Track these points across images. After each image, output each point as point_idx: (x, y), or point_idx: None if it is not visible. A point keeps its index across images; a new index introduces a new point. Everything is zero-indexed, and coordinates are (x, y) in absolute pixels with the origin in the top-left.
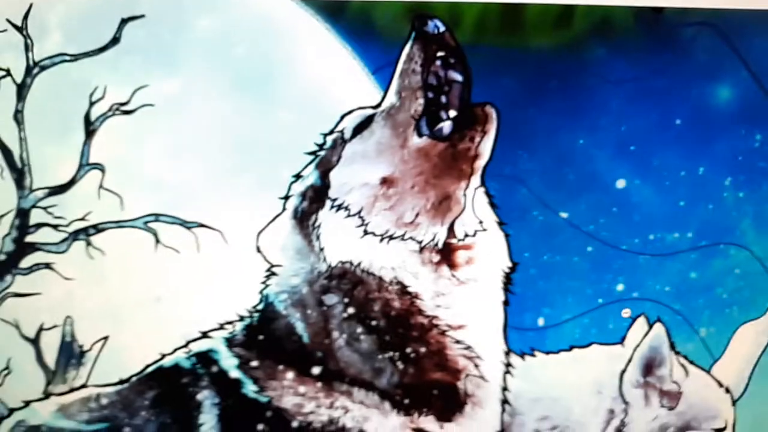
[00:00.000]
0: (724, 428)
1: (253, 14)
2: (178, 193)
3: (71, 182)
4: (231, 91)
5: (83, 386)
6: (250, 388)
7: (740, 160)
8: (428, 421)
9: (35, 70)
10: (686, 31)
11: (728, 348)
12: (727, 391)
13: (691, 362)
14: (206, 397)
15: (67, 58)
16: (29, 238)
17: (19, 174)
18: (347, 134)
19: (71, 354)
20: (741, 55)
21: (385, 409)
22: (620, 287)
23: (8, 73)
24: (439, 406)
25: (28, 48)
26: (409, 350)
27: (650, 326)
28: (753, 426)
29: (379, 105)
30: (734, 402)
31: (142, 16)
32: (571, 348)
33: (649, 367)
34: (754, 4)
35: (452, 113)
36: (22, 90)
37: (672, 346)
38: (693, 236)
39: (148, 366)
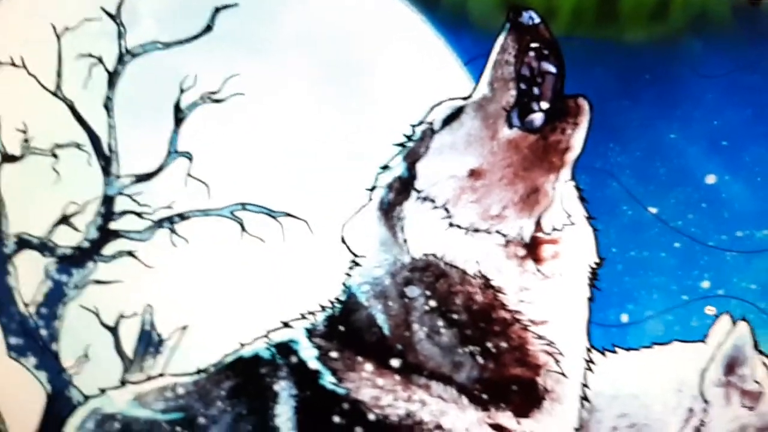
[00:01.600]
0: None
1: (345, 4)
2: (265, 183)
3: (158, 170)
4: (321, 81)
5: (160, 375)
6: (328, 380)
7: None
8: (505, 417)
9: (127, 58)
10: None
11: None
12: None
13: None
14: (284, 387)
15: (159, 46)
16: (113, 226)
17: (106, 161)
18: (436, 125)
19: (150, 342)
20: None
21: (463, 404)
22: (706, 284)
23: (100, 60)
24: (517, 401)
25: (120, 36)
26: (489, 345)
27: (734, 324)
28: None
29: (470, 96)
30: None
31: (236, 5)
32: (652, 345)
33: (731, 366)
34: None
35: (544, 105)
36: (113, 77)
37: (756, 346)
38: None
39: (227, 356)
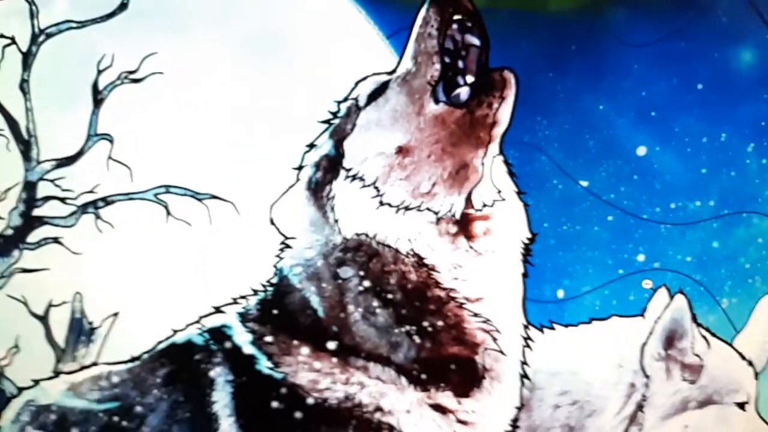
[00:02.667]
0: (747, 402)
1: None
2: (189, 164)
3: (79, 154)
4: (242, 58)
5: (93, 364)
6: (264, 364)
7: (764, 126)
8: (446, 397)
9: (41, 38)
10: None
11: (751, 319)
12: (750, 363)
13: (713, 334)
14: (219, 374)
15: (74, 25)
16: (37, 212)
17: (26, 145)
18: (362, 101)
19: (81, 331)
20: (765, 17)
21: (402, 385)
22: (641, 258)
23: (13, 41)
24: (457, 380)
25: (33, 15)
26: (426, 324)
27: (672, 297)
28: None
29: (394, 71)
30: (757, 375)
31: None
32: (590, 320)
33: (671, 340)
34: None
35: (469, 79)
36: (27, 58)
37: (694, 318)
38: (715, 204)
39: (159, 342)
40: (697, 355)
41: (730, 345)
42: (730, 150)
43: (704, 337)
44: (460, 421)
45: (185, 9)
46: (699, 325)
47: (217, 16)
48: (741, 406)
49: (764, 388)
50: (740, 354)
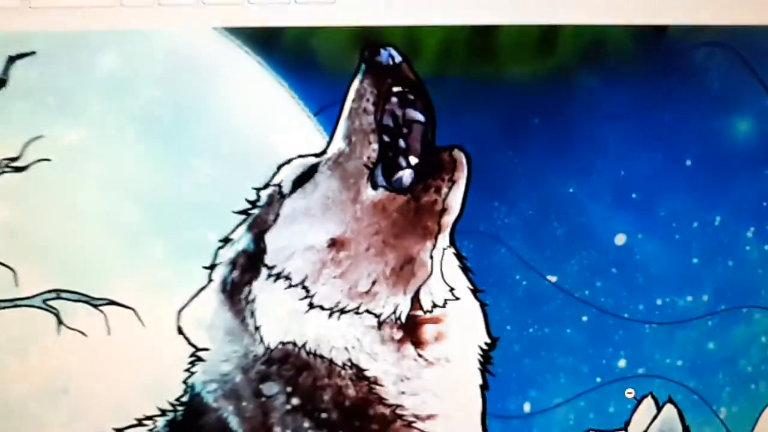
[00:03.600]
0: None
1: (166, 48)
2: (83, 265)
3: None
4: (142, 140)
5: None
6: None
7: (765, 207)
8: None
9: None
10: (696, 53)
11: (755, 430)
12: None
13: None
14: None
15: None
16: None
17: None
18: (286, 188)
19: None
20: (763, 80)
21: None
22: (622, 363)
23: None
24: None
25: None
26: None
27: (659, 408)
28: None
29: (324, 152)
30: None
31: (33, 53)
32: None
33: None
34: None
35: (413, 160)
36: None
37: (686, 431)
38: (709, 299)
39: None
40: None
41: None
42: (726, 236)
43: None
44: None
45: (75, 84)
46: None
47: (112, 93)
48: None
49: None
50: None
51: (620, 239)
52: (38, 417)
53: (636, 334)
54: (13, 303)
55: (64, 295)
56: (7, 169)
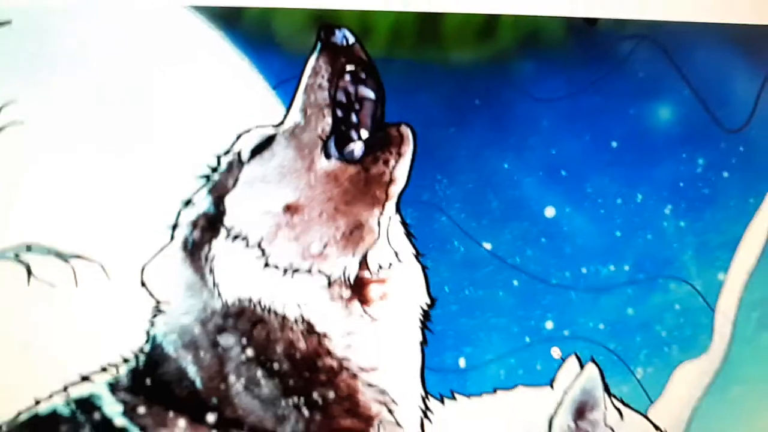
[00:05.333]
0: None
1: (133, 20)
2: (53, 221)
3: None
4: (110, 105)
5: None
6: None
7: (681, 187)
8: None
9: None
10: (623, 45)
11: (666, 389)
12: None
13: (627, 405)
14: None
15: None
16: None
17: None
18: (245, 155)
19: None
20: (682, 71)
21: None
22: (549, 325)
23: None
24: None
25: None
26: (315, 395)
27: (582, 367)
28: None
29: (281, 123)
30: None
31: (8, 22)
32: (495, 391)
33: (581, 411)
34: (697, 17)
35: (364, 134)
36: None
37: (606, 388)
38: (630, 269)
39: (21, 414)
40: (610, 427)
41: (645, 416)
42: (646, 212)
43: (617, 408)
44: None
45: (46, 53)
46: (611, 395)
47: (81, 62)
48: None
49: None
50: (655, 426)
51: (550, 212)
52: (4, 365)
53: (562, 299)
54: None
55: (34, 248)
56: None
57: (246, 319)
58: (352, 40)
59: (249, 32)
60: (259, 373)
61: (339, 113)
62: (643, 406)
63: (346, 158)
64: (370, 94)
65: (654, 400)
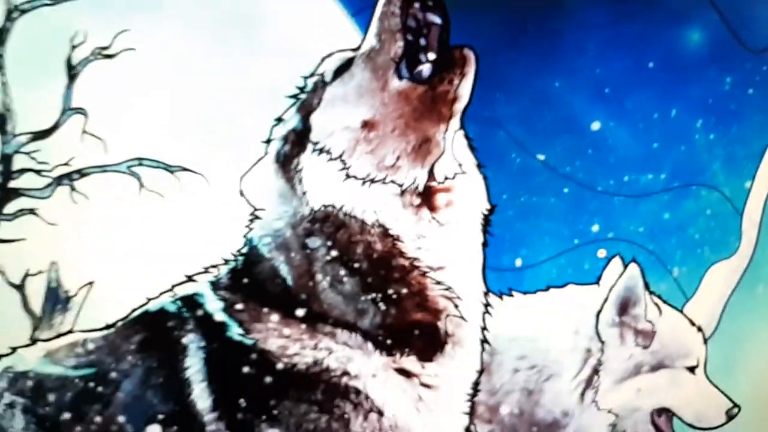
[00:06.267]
0: (696, 366)
1: None
2: (161, 138)
3: (54, 127)
4: (213, 35)
5: (69, 332)
6: (235, 331)
7: (711, 103)
8: (410, 361)
9: (15, 14)
10: None
11: (700, 287)
12: (699, 329)
13: (665, 302)
14: (192, 340)
15: (47, 1)
16: (13, 184)
17: (2, 119)
18: (328, 77)
19: (57, 300)
20: None
21: (368, 350)
22: (595, 228)
23: None
24: (421, 346)
25: None
26: (390, 292)
27: (625, 266)
28: (723, 364)
29: (359, 48)
30: (705, 340)
31: None
32: (547, 288)
33: (624, 307)
34: None
35: (431, 56)
36: (2, 34)
37: (646, 286)
38: (666, 177)
39: (133, 311)
40: (650, 322)
41: (681, 312)
42: (680, 126)
43: (656, 305)
44: (423, 385)
45: None
46: (651, 292)
47: None
48: (691, 370)
49: (712, 353)
50: (690, 321)
51: (596, 126)
52: (119, 267)
53: (607, 205)
54: (102, 169)
55: (145, 162)
56: (99, 57)
57: (330, 224)
58: None
59: None
60: (342, 271)
61: (409, 38)
62: (680, 303)
63: (416, 79)
64: (437, 19)
65: (689, 297)
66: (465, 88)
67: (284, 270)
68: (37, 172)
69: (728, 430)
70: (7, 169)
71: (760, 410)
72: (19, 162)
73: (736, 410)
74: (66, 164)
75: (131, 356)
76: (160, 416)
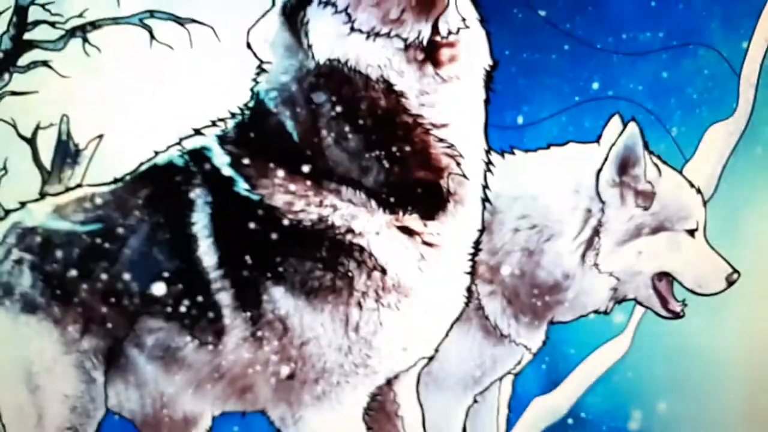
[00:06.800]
0: (696, 229)
1: None
2: None
3: None
4: None
5: (78, 186)
6: (242, 186)
7: None
8: (413, 219)
9: None
10: None
11: (699, 148)
12: (699, 191)
13: (664, 162)
14: (199, 195)
15: None
16: (27, 36)
17: None
18: None
19: (67, 153)
20: None
21: (372, 208)
22: (595, 85)
23: None
24: (423, 204)
25: None
26: (394, 149)
27: (624, 125)
28: (722, 226)
29: None
30: (705, 203)
31: None
32: (548, 146)
33: (624, 166)
34: None
35: None
36: None
37: (645, 146)
38: (664, 36)
39: (142, 164)
40: (649, 182)
41: (680, 173)
42: None
43: (656, 165)
44: (425, 243)
45: None
46: (650, 152)
47: None
48: (691, 233)
49: (712, 218)
50: (689, 182)
51: None
52: (128, 119)
53: (606, 62)
54: (115, 21)
55: (156, 14)
56: None
57: (335, 79)
58: None
59: None
60: (347, 127)
61: None
62: (679, 164)
63: None
64: None
65: (688, 159)
66: None
67: (290, 125)
68: (51, 24)
69: (728, 293)
70: (21, 20)
71: (759, 275)
72: (33, 14)
73: (735, 276)
74: (80, 16)
75: (138, 211)
76: (166, 274)
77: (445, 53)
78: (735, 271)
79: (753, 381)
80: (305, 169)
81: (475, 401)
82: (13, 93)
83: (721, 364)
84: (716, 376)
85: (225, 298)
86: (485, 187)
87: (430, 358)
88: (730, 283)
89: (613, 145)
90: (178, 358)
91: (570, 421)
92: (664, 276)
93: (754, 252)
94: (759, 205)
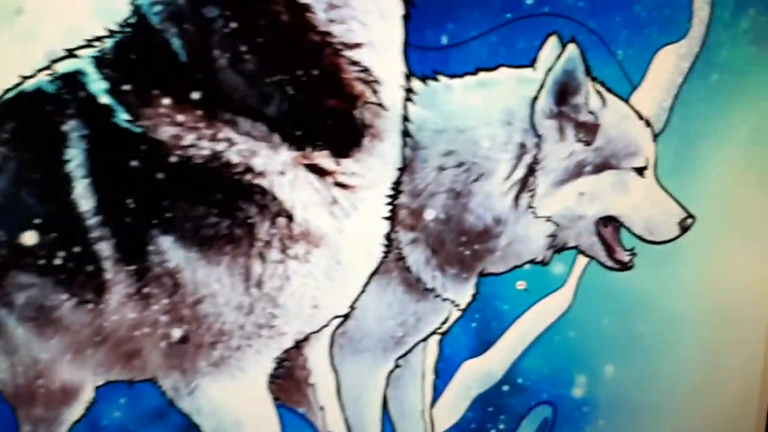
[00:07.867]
0: (645, 167)
1: None
2: None
3: None
4: None
5: None
6: (122, 117)
7: None
8: (323, 156)
9: None
10: None
11: (647, 74)
12: (648, 124)
13: (609, 90)
14: (73, 128)
15: None
16: None
17: None
18: None
19: None
20: None
21: (275, 143)
22: (530, 0)
23: None
24: (335, 138)
25: None
26: (299, 73)
27: (563, 46)
28: (674, 164)
29: None
30: (655, 137)
31: None
32: (477, 71)
33: (563, 94)
34: None
35: None
36: None
37: (587, 70)
38: None
39: (7, 92)
40: (592, 113)
41: (627, 102)
42: None
43: (599, 93)
44: (338, 184)
45: None
46: (593, 79)
47: None
48: (639, 172)
49: (663, 153)
50: (638, 113)
51: None
52: None
53: None
54: None
55: None
56: None
57: None
58: None
59: None
60: (243, 47)
61: None
62: (625, 92)
63: None
64: None
65: (636, 86)
66: None
67: (177, 44)
68: None
69: (682, 240)
70: None
71: (717, 220)
72: None
73: (690, 221)
74: None
75: (4, 147)
76: (37, 220)
77: None
78: (689, 215)
79: (711, 339)
80: (195, 96)
81: (397, 366)
82: None
83: (675, 320)
84: (670, 334)
85: (105, 249)
86: (405, 118)
87: (345, 317)
88: (684, 228)
89: (550, 69)
90: (53, 319)
91: (505, 387)
92: (610, 221)
93: (711, 193)
94: (715, 139)
